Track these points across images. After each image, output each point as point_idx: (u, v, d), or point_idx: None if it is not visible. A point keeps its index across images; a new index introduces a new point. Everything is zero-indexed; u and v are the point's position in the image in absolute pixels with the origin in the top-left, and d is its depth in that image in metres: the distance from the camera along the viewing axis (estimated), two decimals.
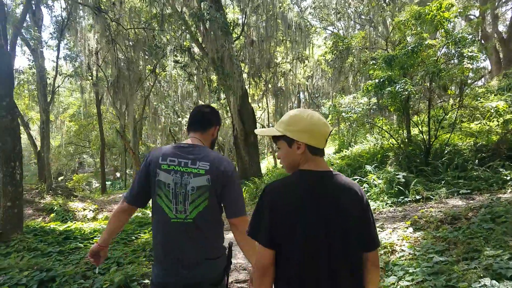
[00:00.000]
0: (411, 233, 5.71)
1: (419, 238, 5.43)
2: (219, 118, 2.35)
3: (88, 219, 11.90)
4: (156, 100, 22.12)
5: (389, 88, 9.52)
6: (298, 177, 1.60)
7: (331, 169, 1.65)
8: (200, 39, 14.84)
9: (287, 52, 20.00)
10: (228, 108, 17.01)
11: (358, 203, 1.59)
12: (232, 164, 2.15)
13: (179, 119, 23.09)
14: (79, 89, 21.64)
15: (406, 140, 10.97)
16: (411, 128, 11.45)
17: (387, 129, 11.56)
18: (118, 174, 38.25)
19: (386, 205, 8.25)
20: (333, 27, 24.49)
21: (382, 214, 7.67)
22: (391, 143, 11.29)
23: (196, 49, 15.71)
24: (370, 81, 10.20)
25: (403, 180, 8.65)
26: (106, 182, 35.16)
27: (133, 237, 6.86)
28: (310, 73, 25.04)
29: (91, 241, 6.55)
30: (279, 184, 1.64)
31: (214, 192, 2.03)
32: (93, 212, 12.65)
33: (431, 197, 8.12)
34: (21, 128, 24.89)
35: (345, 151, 14.51)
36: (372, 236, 1.62)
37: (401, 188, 8.58)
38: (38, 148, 17.76)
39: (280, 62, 20.28)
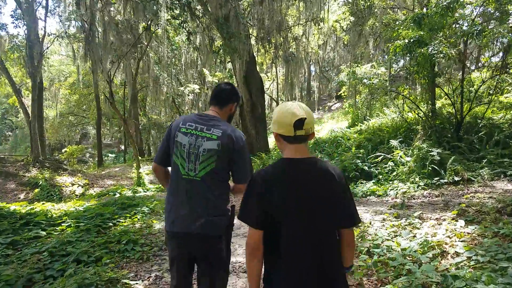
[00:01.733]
0: (462, 227, 4.40)
1: (475, 236, 4.12)
2: (238, 95, 2.53)
3: (76, 195, 10.70)
4: (159, 69, 20.50)
5: (422, 50, 8.09)
6: (280, 164, 1.75)
7: (311, 156, 1.75)
8: None
9: (299, 16, 18.20)
10: (233, 73, 15.41)
11: (336, 185, 1.72)
12: (243, 136, 2.39)
13: (182, 88, 21.36)
14: (75, 55, 20.00)
15: (430, 113, 9.56)
16: (435, 100, 10.03)
17: (413, 100, 10.09)
18: (122, 147, 37.15)
19: (418, 187, 6.92)
20: None
21: (415, 199, 6.35)
22: (416, 115, 9.88)
23: (197, 6, 13.96)
24: (398, 41, 8.67)
25: (438, 158, 7.26)
26: (110, 155, 34.13)
27: (110, 224, 5.56)
28: (324, 39, 23.13)
29: (57, 228, 5.30)
30: (265, 171, 1.74)
31: (222, 157, 2.25)
32: (82, 187, 11.37)
33: (472, 178, 6.78)
34: (14, 96, 23.78)
35: (360, 125, 13.07)
36: (348, 213, 1.75)
37: (436, 167, 7.21)
38: (30, 118, 16.58)
39: (292, 25, 18.43)
